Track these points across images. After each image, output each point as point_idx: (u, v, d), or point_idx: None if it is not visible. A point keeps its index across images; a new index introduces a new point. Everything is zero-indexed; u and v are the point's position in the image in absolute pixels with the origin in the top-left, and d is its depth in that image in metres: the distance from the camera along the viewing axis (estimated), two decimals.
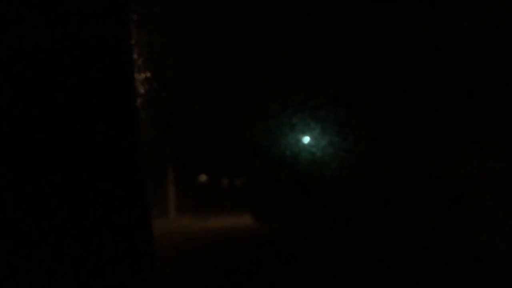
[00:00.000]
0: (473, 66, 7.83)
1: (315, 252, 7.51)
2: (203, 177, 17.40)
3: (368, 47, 8.76)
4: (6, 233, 1.52)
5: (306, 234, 9.21)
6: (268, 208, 11.90)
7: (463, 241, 7.04)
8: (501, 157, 7.92)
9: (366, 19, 8.59)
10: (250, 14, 9.43)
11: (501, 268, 5.42)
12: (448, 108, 8.32)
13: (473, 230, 7.23)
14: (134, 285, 1.69)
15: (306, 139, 10.42)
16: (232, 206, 14.49)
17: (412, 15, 8.21)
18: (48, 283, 1.55)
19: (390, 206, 8.59)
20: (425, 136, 8.82)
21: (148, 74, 8.08)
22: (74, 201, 1.59)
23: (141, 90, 7.98)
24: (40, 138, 1.54)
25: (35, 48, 1.53)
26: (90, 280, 1.60)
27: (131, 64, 1.76)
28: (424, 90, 8.47)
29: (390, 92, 8.84)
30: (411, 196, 8.51)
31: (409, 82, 8.59)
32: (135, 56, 7.50)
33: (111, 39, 1.65)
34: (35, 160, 1.54)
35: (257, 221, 12.20)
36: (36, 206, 1.53)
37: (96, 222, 1.62)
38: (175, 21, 8.95)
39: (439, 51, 8.11)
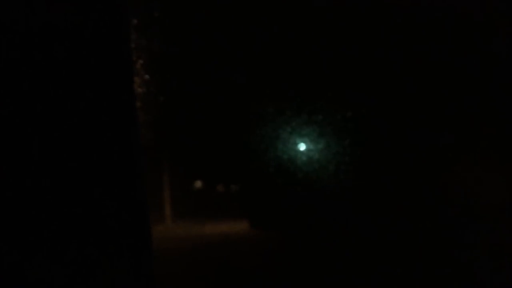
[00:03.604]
0: (474, 70, 7.82)
1: (314, 258, 7.47)
2: (199, 183, 17.35)
3: (366, 51, 8.76)
4: (1, 235, 1.49)
5: (304, 240, 9.17)
6: (265, 214, 11.86)
7: (460, 245, 7.03)
8: (500, 162, 7.91)
9: (363, 23, 8.59)
10: (249, 19, 9.43)
11: (499, 271, 5.41)
12: (447, 112, 8.31)
13: (471, 234, 7.23)
14: None
15: (302, 146, 10.41)
16: (228, 212, 14.45)
17: (410, 18, 8.20)
18: (45, 286, 1.52)
19: (389, 210, 8.58)
20: (424, 140, 8.81)
21: (146, 78, 8.05)
22: (70, 204, 1.55)
23: (139, 93, 7.95)
24: (38, 140, 1.51)
25: (34, 50, 1.51)
26: (87, 285, 1.57)
27: (130, 68, 1.74)
28: (423, 93, 8.46)
29: (388, 95, 8.84)
30: (410, 200, 8.50)
31: (408, 86, 8.58)
32: (134, 59, 7.47)
33: (110, 43, 1.63)
34: (31, 164, 1.50)
35: (253, 227, 12.16)
36: (32, 209, 1.49)
37: (93, 226, 1.59)
38: (175, 25, 8.93)
39: (439, 54, 8.10)
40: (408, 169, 9.02)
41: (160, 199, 14.95)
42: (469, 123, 8.62)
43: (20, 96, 1.54)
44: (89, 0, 1.63)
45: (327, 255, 7.80)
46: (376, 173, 9.38)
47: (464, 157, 8.58)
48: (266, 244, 9.47)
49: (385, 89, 9.04)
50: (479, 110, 8.25)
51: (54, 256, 1.54)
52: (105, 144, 1.65)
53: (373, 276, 6.00)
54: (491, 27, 7.87)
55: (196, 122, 11.29)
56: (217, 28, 9.32)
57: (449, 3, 8.15)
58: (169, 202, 15.11)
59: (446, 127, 8.94)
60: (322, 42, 9.22)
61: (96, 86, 1.65)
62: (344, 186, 9.70)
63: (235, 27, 9.55)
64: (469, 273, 5.67)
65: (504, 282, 5.12)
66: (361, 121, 9.50)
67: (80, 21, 1.60)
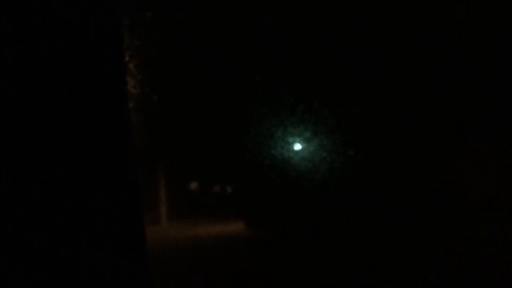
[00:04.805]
0: (470, 67, 7.80)
1: (309, 258, 7.45)
2: (194, 184, 17.32)
3: (359, 49, 8.73)
4: None
5: (299, 240, 9.15)
6: (260, 214, 11.85)
7: (458, 244, 7.02)
8: (497, 159, 7.90)
9: (358, 21, 8.56)
10: (242, 20, 9.41)
11: (497, 270, 5.40)
12: (442, 110, 8.29)
13: (468, 232, 7.22)
14: None
15: (297, 146, 10.39)
16: (224, 213, 14.43)
17: (406, 16, 8.18)
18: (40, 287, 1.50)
19: (384, 209, 8.56)
20: (419, 137, 8.79)
21: (140, 78, 8.03)
22: (63, 206, 1.53)
23: (133, 94, 7.92)
24: (31, 141, 1.49)
25: (26, 51, 1.48)
26: (82, 285, 1.54)
27: (123, 68, 1.71)
28: (417, 90, 8.43)
29: (382, 94, 8.81)
30: (405, 199, 8.48)
31: (401, 83, 8.55)
32: (126, 60, 7.43)
33: (102, 43, 1.60)
34: (24, 164, 1.48)
35: (249, 228, 12.15)
36: (25, 211, 1.47)
37: (85, 227, 1.56)
38: (167, 26, 8.91)
39: (433, 52, 8.08)
40: (404, 167, 9.00)
41: (156, 200, 14.86)
42: (465, 123, 8.60)
43: (11, 97, 1.51)
44: (81, 1, 1.60)
45: (324, 253, 7.78)
46: (371, 173, 9.35)
47: (459, 156, 8.57)
48: (262, 245, 9.45)
49: (381, 88, 9.01)
50: (476, 109, 8.24)
51: (48, 257, 1.52)
52: (98, 145, 1.63)
53: (368, 274, 5.98)
54: (488, 28, 7.86)
55: (192, 123, 11.25)
56: (211, 29, 9.29)
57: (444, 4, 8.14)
58: (165, 203, 15.02)
59: (440, 126, 8.92)
60: (315, 44, 9.20)
61: (88, 87, 1.62)
62: (340, 185, 9.67)
63: (229, 28, 9.52)
64: (467, 271, 5.66)
65: (504, 281, 5.11)
66: (356, 121, 9.47)
67: (72, 22, 1.57)
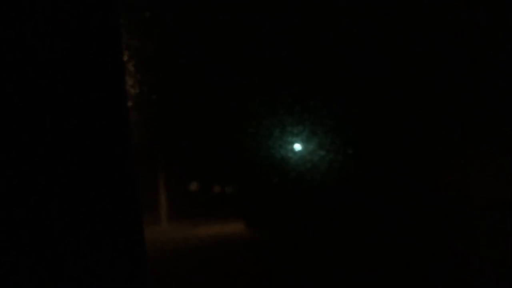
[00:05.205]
0: (470, 67, 7.79)
1: (309, 258, 7.44)
2: (194, 184, 17.27)
3: (359, 49, 8.72)
4: None
5: (299, 240, 9.14)
6: (260, 214, 11.82)
7: (459, 245, 7.01)
8: (498, 160, 7.89)
9: (355, 19, 8.55)
10: (241, 20, 9.39)
11: (497, 270, 5.40)
12: (442, 110, 8.28)
13: (469, 233, 7.21)
14: None
15: (297, 146, 10.37)
16: (224, 213, 14.41)
17: (405, 14, 8.17)
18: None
19: (384, 209, 8.55)
20: (419, 137, 8.77)
21: (139, 77, 8.01)
22: (60, 206, 1.52)
23: (132, 93, 7.91)
24: (29, 141, 1.48)
25: (24, 51, 1.48)
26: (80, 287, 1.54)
27: (122, 67, 1.70)
28: (417, 90, 8.42)
29: (381, 93, 8.80)
30: (406, 199, 8.47)
31: (401, 83, 8.54)
32: (125, 59, 7.42)
33: (102, 43, 1.60)
34: (22, 164, 1.47)
35: (249, 228, 12.12)
36: (24, 211, 1.46)
37: (86, 228, 1.55)
38: (167, 25, 8.89)
39: (433, 52, 8.07)
40: (405, 168, 8.99)
41: (156, 200, 14.83)
42: (465, 123, 8.59)
43: (9, 96, 1.51)
44: (80, 0, 1.59)
45: (322, 254, 7.76)
46: (371, 173, 9.34)
47: (459, 156, 8.56)
48: (262, 245, 9.43)
49: (380, 87, 9.00)
50: (475, 112, 8.23)
51: (48, 257, 1.51)
52: (97, 144, 1.62)
53: (368, 274, 5.98)
54: (487, 28, 7.86)
55: (191, 123, 11.23)
56: (210, 28, 9.28)
57: (443, 5, 8.13)
58: (165, 203, 15.00)
59: (440, 126, 8.91)
60: (315, 43, 9.19)
61: (87, 87, 1.62)
62: (340, 185, 9.66)
63: (228, 28, 9.51)
64: (466, 271, 5.66)
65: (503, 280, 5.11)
66: (356, 121, 9.46)
67: (71, 21, 1.57)
